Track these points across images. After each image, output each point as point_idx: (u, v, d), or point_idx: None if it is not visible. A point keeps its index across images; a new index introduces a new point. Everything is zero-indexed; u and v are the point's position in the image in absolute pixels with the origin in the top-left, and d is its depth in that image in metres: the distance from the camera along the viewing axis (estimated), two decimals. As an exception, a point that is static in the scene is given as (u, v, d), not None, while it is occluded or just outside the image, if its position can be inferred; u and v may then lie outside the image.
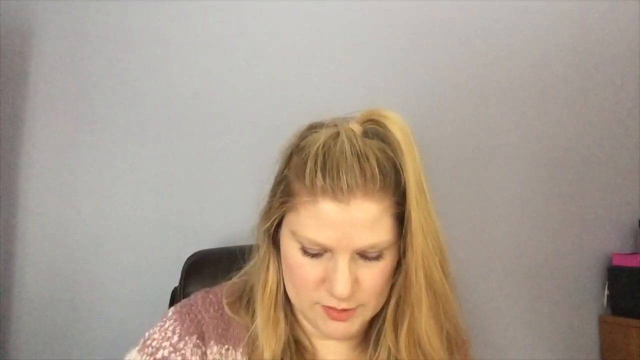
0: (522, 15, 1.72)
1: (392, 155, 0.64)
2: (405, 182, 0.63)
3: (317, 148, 0.63)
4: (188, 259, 1.10)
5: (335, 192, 0.61)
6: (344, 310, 0.64)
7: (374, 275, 0.64)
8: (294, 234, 0.65)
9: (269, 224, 0.68)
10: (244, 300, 0.73)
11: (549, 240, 1.68)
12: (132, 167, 1.49)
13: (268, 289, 0.70)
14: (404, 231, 0.64)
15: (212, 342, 0.70)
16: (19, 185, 1.45)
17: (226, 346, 0.70)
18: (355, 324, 0.67)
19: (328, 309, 0.65)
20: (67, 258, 1.44)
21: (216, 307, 0.73)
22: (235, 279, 0.76)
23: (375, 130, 0.66)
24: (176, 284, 1.08)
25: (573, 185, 1.72)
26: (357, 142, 0.63)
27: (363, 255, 0.63)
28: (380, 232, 0.62)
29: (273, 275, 0.70)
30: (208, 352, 0.69)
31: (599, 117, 1.76)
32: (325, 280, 0.64)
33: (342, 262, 0.62)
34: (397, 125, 0.64)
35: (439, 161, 1.61)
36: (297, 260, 0.65)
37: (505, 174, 1.68)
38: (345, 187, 0.61)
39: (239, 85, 1.55)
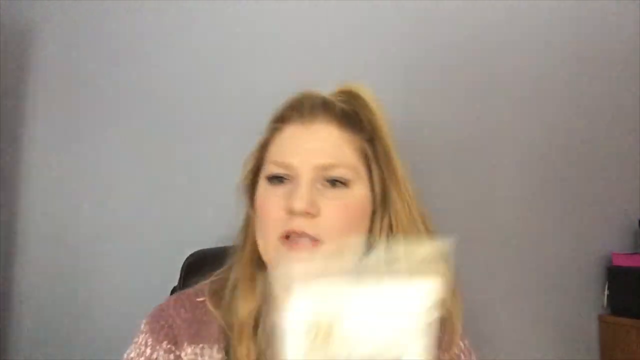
0: (523, 14, 1.72)
1: (359, 111, 0.70)
2: (371, 129, 0.69)
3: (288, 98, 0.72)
4: (187, 258, 1.10)
5: (299, 115, 0.68)
6: (305, 235, 0.64)
7: (336, 205, 0.65)
8: (263, 170, 0.69)
9: (246, 171, 0.73)
10: (223, 293, 0.72)
11: (549, 240, 1.68)
12: (132, 167, 1.49)
13: (248, 247, 0.71)
14: (370, 160, 0.68)
15: (185, 344, 0.69)
16: (19, 185, 1.45)
17: (201, 345, 0.69)
18: (317, 263, 0.63)
19: (291, 242, 0.64)
20: (67, 258, 1.45)
21: (188, 308, 0.72)
22: (213, 278, 0.76)
23: (344, 98, 0.73)
24: (176, 283, 1.08)
25: (573, 185, 1.72)
26: (325, 94, 0.72)
27: (327, 180, 0.65)
28: (342, 156, 0.66)
29: (252, 234, 0.71)
30: (182, 354, 0.69)
31: (599, 117, 1.76)
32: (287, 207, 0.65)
33: (303, 179, 0.65)
34: (367, 93, 0.72)
35: (439, 161, 1.60)
36: (263, 195, 0.68)
37: (505, 174, 1.67)
38: (308, 110, 0.68)
39: (240, 85, 1.55)
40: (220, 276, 0.75)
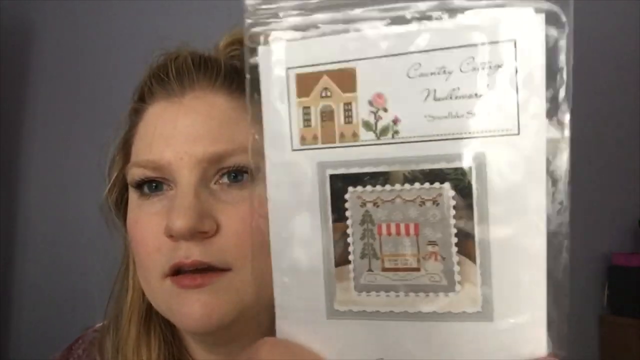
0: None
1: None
2: None
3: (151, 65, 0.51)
4: (187, 258, 1.10)
5: (164, 87, 0.47)
6: (199, 272, 0.41)
7: (237, 212, 0.42)
8: (129, 180, 0.47)
9: (110, 184, 0.51)
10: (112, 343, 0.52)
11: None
12: (132, 167, 1.50)
13: (131, 292, 0.52)
14: None
15: None
16: (19, 185, 1.45)
17: None
18: (222, 298, 0.42)
19: (184, 280, 0.42)
20: (67, 258, 1.45)
21: None
22: (90, 332, 0.58)
23: (235, 50, 0.51)
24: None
25: (573, 185, 1.71)
26: (205, 50, 0.51)
27: (223, 174, 0.43)
28: (238, 136, 0.42)
29: (136, 276, 0.50)
30: None
31: (599, 117, 1.76)
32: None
33: (183, 181, 0.42)
34: None
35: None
36: (135, 216, 0.46)
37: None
38: (176, 76, 0.47)
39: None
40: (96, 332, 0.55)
